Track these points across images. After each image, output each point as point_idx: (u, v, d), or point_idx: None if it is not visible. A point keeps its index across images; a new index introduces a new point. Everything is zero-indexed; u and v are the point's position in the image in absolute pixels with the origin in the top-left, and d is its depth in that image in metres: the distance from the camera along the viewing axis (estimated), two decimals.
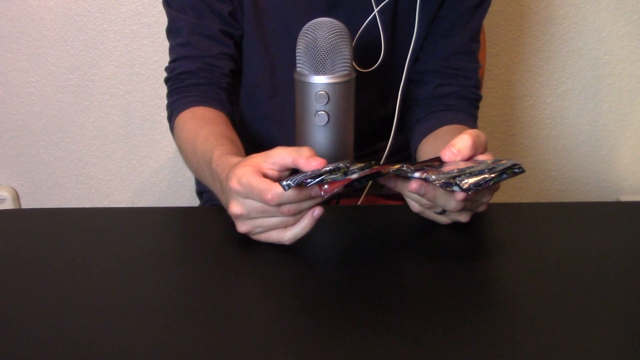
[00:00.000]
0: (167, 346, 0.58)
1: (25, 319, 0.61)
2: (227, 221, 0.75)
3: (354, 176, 0.66)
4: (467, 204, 0.73)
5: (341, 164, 0.66)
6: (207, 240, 0.76)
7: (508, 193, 1.79)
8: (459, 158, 0.72)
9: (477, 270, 0.71)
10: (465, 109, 1.02)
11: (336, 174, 0.65)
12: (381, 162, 1.01)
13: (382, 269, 0.70)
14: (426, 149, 0.97)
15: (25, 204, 1.74)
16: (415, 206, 0.76)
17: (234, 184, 0.70)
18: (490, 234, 0.80)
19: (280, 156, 0.69)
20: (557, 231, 0.80)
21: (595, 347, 0.58)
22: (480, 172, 0.68)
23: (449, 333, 0.59)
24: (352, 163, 0.69)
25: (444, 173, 0.68)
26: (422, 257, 0.72)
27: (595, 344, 0.58)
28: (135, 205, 1.72)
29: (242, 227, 0.72)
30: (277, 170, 0.70)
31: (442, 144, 0.92)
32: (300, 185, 0.66)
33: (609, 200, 1.78)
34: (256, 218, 0.71)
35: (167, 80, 1.01)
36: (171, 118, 0.97)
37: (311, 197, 0.69)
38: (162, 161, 1.70)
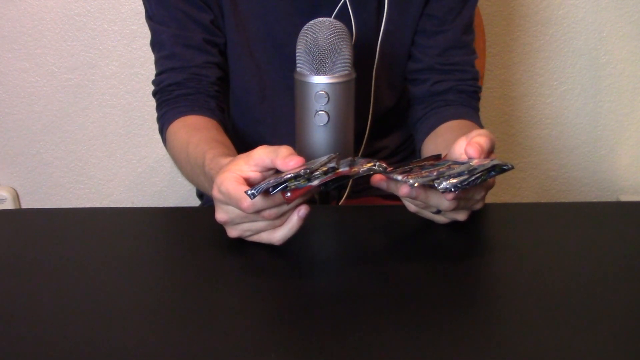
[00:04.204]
0: (166, 346, 0.58)
1: (25, 319, 0.61)
2: None
3: (315, 182, 0.65)
4: (461, 203, 0.72)
5: (302, 171, 0.65)
6: (207, 240, 0.76)
7: (508, 193, 1.79)
8: (482, 156, 0.72)
9: (476, 270, 0.71)
10: (464, 102, 1.01)
11: (299, 181, 0.65)
12: (360, 156, 1.01)
13: (381, 269, 0.70)
14: (429, 149, 0.97)
15: (25, 204, 1.74)
16: (411, 206, 0.76)
17: (215, 192, 0.70)
18: (490, 234, 0.80)
19: (260, 157, 0.69)
20: (557, 231, 0.79)
21: (595, 347, 0.58)
22: (460, 174, 0.67)
23: (448, 333, 0.59)
24: (329, 164, 0.68)
25: (422, 177, 0.67)
26: (421, 257, 0.72)
27: (595, 344, 0.58)
28: (135, 205, 1.72)
29: (232, 232, 0.73)
30: (260, 172, 0.69)
31: (443, 142, 0.92)
32: (267, 192, 0.66)
33: (609, 200, 1.78)
34: (242, 223, 0.71)
35: (155, 94, 1.01)
36: (162, 130, 0.98)
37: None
38: (163, 161, 1.70)
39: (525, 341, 0.58)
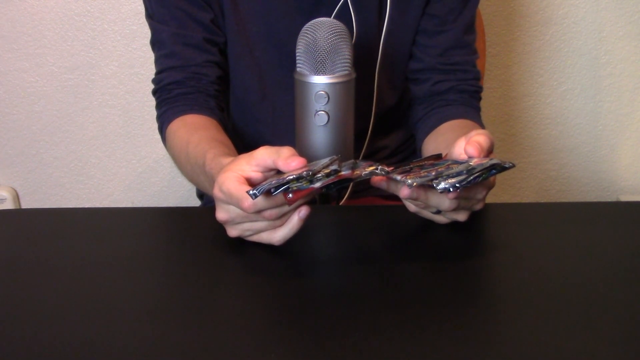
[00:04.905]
0: (166, 346, 0.58)
1: (25, 319, 0.61)
2: None
3: (318, 185, 0.65)
4: (461, 203, 0.72)
5: (304, 172, 0.65)
6: (207, 240, 0.76)
7: (508, 193, 1.79)
8: (482, 154, 0.72)
9: (476, 270, 0.71)
10: (465, 102, 1.01)
11: (301, 182, 0.65)
12: (361, 158, 1.01)
13: (381, 269, 0.70)
14: (429, 148, 0.97)
15: (25, 204, 1.74)
16: (411, 206, 0.76)
17: (216, 191, 0.70)
18: (490, 234, 0.80)
19: (262, 158, 0.69)
20: (557, 231, 0.79)
21: (595, 347, 0.58)
22: (458, 174, 0.67)
23: (448, 333, 0.59)
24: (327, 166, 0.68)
25: (420, 177, 0.68)
26: (421, 257, 0.72)
27: (595, 344, 0.58)
28: (135, 205, 1.72)
29: (232, 232, 0.73)
30: (261, 172, 0.70)
31: (444, 142, 0.92)
32: (268, 192, 0.66)
33: (609, 200, 1.78)
34: (243, 222, 0.71)
35: (154, 92, 1.01)
36: (162, 129, 0.98)
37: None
38: (163, 161, 1.70)
39: (525, 341, 0.58)
